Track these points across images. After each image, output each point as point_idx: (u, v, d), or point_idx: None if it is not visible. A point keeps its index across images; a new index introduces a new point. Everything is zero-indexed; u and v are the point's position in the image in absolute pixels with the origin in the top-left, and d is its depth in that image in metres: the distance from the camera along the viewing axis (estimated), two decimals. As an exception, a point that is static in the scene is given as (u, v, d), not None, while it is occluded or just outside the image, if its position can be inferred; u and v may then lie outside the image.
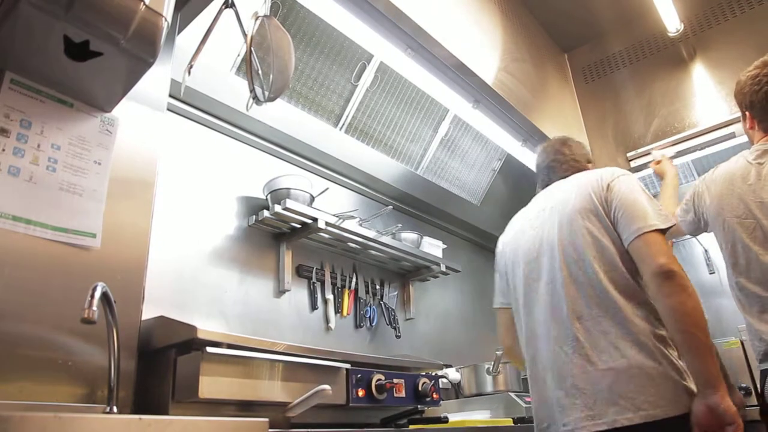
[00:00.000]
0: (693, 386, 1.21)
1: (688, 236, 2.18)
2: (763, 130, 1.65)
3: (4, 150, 1.05)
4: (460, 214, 3.14)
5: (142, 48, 1.07)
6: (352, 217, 2.19)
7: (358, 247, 2.34)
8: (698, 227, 1.77)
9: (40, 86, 1.13)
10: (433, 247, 2.65)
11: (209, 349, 1.11)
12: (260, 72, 1.51)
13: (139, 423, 0.71)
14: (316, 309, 2.22)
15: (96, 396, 1.05)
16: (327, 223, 2.08)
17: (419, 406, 1.52)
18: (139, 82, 1.19)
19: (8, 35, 1.01)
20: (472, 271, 3.29)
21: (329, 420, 1.40)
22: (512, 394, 2.11)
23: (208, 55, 1.79)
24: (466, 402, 2.27)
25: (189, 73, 1.50)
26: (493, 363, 2.28)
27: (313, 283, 2.24)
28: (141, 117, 1.31)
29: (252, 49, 1.48)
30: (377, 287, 2.53)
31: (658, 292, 1.24)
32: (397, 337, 2.53)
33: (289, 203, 1.97)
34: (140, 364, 1.15)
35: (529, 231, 1.56)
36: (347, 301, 2.35)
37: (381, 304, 2.52)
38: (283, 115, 2.18)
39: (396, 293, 2.64)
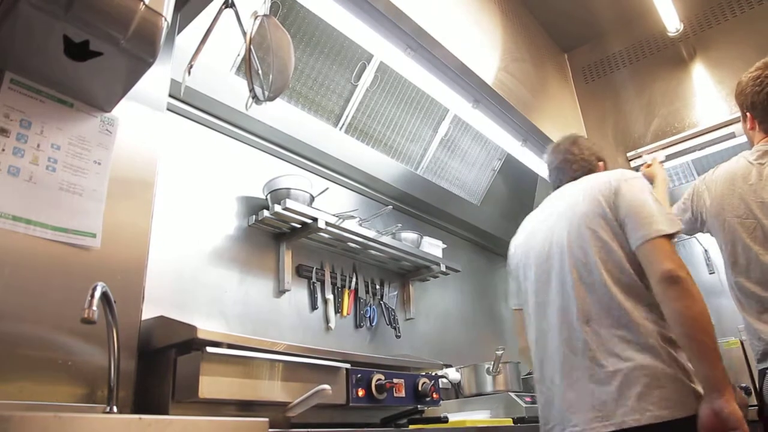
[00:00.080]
0: (701, 388, 1.22)
1: (684, 236, 2.18)
2: (764, 131, 1.65)
3: (3, 150, 1.05)
4: (460, 214, 3.14)
5: (142, 48, 1.07)
6: (352, 217, 2.19)
7: (358, 247, 2.34)
8: (694, 227, 1.77)
9: (39, 86, 1.13)
10: (433, 247, 2.65)
11: (209, 349, 1.11)
12: (260, 72, 1.51)
13: (139, 423, 0.71)
14: (316, 309, 2.22)
15: (96, 396, 1.05)
16: (327, 223, 2.09)
17: (419, 406, 1.52)
18: (139, 82, 1.19)
19: (8, 35, 1.01)
20: (472, 271, 3.29)
21: (329, 420, 1.40)
22: (512, 394, 2.11)
23: (208, 54, 1.79)
24: (466, 402, 2.27)
25: (189, 73, 1.50)
26: (493, 363, 2.28)
27: (313, 283, 2.24)
28: (141, 117, 1.31)
29: (252, 48, 1.48)
30: (377, 287, 2.53)
31: (665, 296, 1.25)
32: (397, 337, 2.53)
33: (289, 203, 1.98)
34: (140, 364, 1.15)
35: (540, 233, 1.56)
36: (347, 301, 2.35)
37: (381, 304, 2.52)
38: (283, 115, 2.18)
39: (396, 293, 2.64)
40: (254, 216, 2.05)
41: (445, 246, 2.74)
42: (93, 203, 1.15)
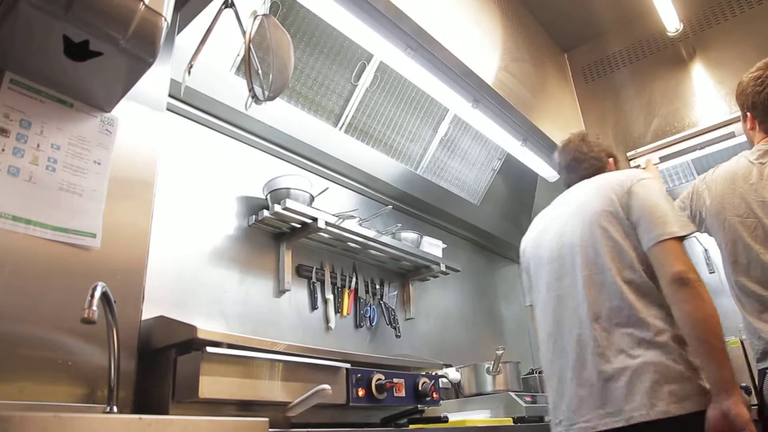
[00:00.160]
0: (707, 385, 1.24)
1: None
2: (764, 131, 1.65)
3: (3, 150, 1.05)
4: (460, 214, 3.14)
5: (142, 48, 1.07)
6: (352, 217, 2.19)
7: (358, 246, 2.34)
8: None
9: (39, 86, 1.13)
10: (432, 246, 2.65)
11: (209, 349, 1.11)
12: (260, 71, 1.51)
13: (139, 423, 0.71)
14: (316, 309, 2.22)
15: (96, 396, 1.05)
16: (327, 223, 2.09)
17: (419, 406, 1.52)
18: (138, 82, 1.19)
19: (8, 35, 1.01)
20: (471, 271, 3.29)
21: (329, 420, 1.40)
22: (512, 394, 2.11)
23: (208, 54, 1.79)
24: (466, 401, 2.26)
25: (189, 72, 1.50)
26: (493, 362, 2.28)
27: (313, 282, 2.24)
28: (141, 117, 1.31)
29: (251, 48, 1.48)
30: (377, 287, 2.53)
31: (675, 298, 1.28)
32: (397, 336, 2.53)
33: (289, 203, 1.98)
34: (140, 364, 1.15)
35: (551, 232, 1.58)
36: (347, 301, 2.35)
37: (381, 303, 2.52)
38: (282, 114, 2.18)
39: (396, 293, 2.64)
40: (254, 216, 2.05)
41: (445, 246, 2.74)
42: (93, 203, 1.15)
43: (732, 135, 2.58)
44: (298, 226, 2.11)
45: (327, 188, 2.19)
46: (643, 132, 2.89)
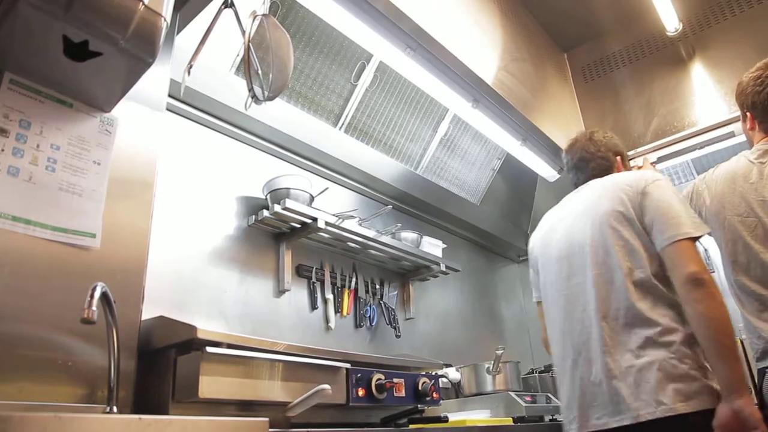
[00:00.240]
0: (714, 384, 1.26)
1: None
2: (764, 131, 1.65)
3: (3, 150, 1.05)
4: (460, 214, 3.14)
5: (142, 48, 1.07)
6: (352, 217, 2.19)
7: (357, 246, 2.34)
8: None
9: (39, 86, 1.13)
10: (432, 246, 2.65)
11: (209, 349, 1.11)
12: (259, 71, 1.51)
13: (139, 423, 0.71)
14: (316, 309, 2.22)
15: (96, 396, 1.05)
16: (327, 223, 2.08)
17: (419, 406, 1.52)
18: (138, 82, 1.19)
19: (7, 35, 1.01)
20: (471, 271, 3.29)
21: (329, 420, 1.40)
22: (512, 394, 2.11)
23: (208, 55, 1.79)
24: (466, 401, 2.26)
25: (188, 73, 1.50)
26: (492, 362, 2.28)
27: (313, 282, 2.24)
28: (140, 117, 1.31)
29: (251, 48, 1.47)
30: (377, 287, 2.53)
31: (688, 298, 1.29)
32: (397, 336, 2.53)
33: (289, 203, 1.97)
34: (140, 364, 1.14)
35: (560, 231, 1.60)
36: (347, 301, 2.35)
37: (381, 303, 2.52)
38: (282, 114, 2.18)
39: (396, 293, 2.64)
40: (254, 216, 2.05)
41: (444, 246, 2.74)
42: (92, 203, 1.15)
43: (732, 134, 2.58)
44: (298, 226, 2.11)
45: (327, 188, 2.19)
46: (642, 132, 2.89)
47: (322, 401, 1.23)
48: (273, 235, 2.15)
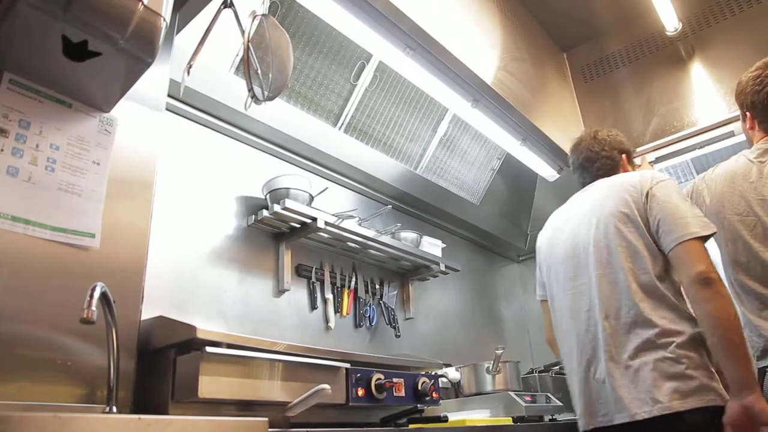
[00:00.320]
0: (714, 384, 1.28)
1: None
2: (764, 130, 1.65)
3: (2, 150, 1.05)
4: (460, 214, 3.14)
5: (141, 48, 1.06)
6: (352, 217, 2.19)
7: (357, 246, 2.34)
8: None
9: (38, 86, 1.13)
10: (432, 246, 2.65)
11: (209, 349, 1.11)
12: (259, 71, 1.51)
13: (139, 423, 0.71)
14: (316, 309, 2.22)
15: (95, 396, 1.05)
16: (326, 223, 2.08)
17: (419, 406, 1.52)
18: (137, 82, 1.19)
19: (6, 35, 1.01)
20: (471, 271, 3.29)
21: (329, 419, 1.40)
22: (512, 393, 2.11)
23: (207, 54, 1.79)
24: (466, 401, 2.26)
25: (188, 72, 1.50)
26: (492, 362, 2.28)
27: (313, 282, 2.24)
28: (140, 117, 1.31)
29: (250, 48, 1.47)
30: (377, 287, 2.53)
31: (697, 298, 1.31)
32: (397, 336, 2.53)
33: (289, 203, 1.97)
34: (140, 364, 1.14)
35: (566, 231, 1.61)
36: (347, 301, 2.35)
37: (380, 303, 2.52)
38: (282, 114, 2.18)
39: (395, 293, 2.64)
40: (253, 216, 2.05)
41: (444, 245, 2.74)
42: (92, 203, 1.15)
43: (731, 134, 2.58)
44: (298, 225, 2.11)
45: (326, 188, 2.19)
46: (642, 131, 2.89)
47: (321, 401, 1.23)
48: (273, 234, 2.15)
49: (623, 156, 1.70)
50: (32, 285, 1.03)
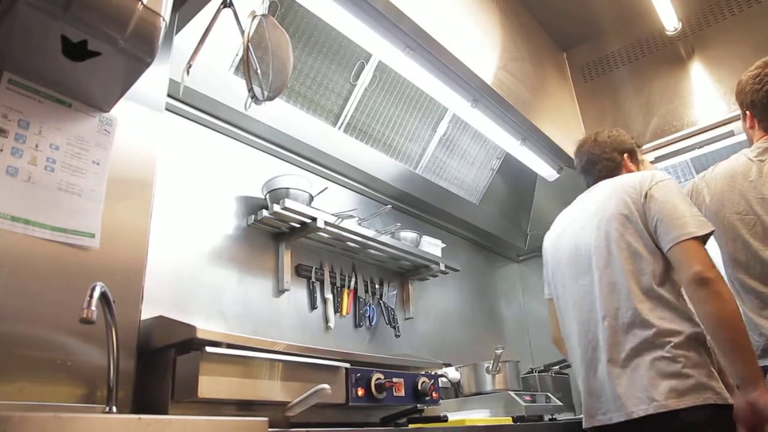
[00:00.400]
0: (712, 383, 1.29)
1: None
2: (763, 129, 1.65)
3: (2, 150, 1.05)
4: (459, 213, 3.14)
5: (141, 48, 1.06)
6: (351, 217, 2.19)
7: (357, 246, 2.34)
8: None
9: (38, 86, 1.13)
10: (432, 246, 2.65)
11: (208, 349, 1.11)
12: (259, 71, 1.51)
13: (139, 423, 0.71)
14: (316, 308, 2.21)
15: (95, 396, 1.05)
16: (326, 223, 2.08)
17: (419, 405, 1.52)
18: (137, 82, 1.18)
19: (6, 35, 1.01)
20: (471, 270, 3.29)
21: (329, 419, 1.40)
22: (512, 393, 2.11)
23: (207, 54, 1.79)
24: (466, 401, 2.26)
25: (187, 72, 1.50)
26: (492, 362, 2.28)
27: (313, 282, 2.24)
28: (139, 117, 1.31)
29: (250, 48, 1.47)
30: (376, 286, 2.53)
31: (695, 298, 1.33)
32: (397, 336, 2.53)
33: (288, 203, 1.97)
34: (139, 364, 1.14)
35: (570, 232, 1.63)
36: (346, 301, 2.35)
37: (380, 303, 2.52)
38: (281, 114, 2.18)
39: (395, 292, 2.64)
40: (253, 216, 2.05)
41: (444, 245, 2.74)
42: (92, 203, 1.15)
43: (731, 134, 2.58)
44: (298, 225, 2.11)
45: (326, 188, 2.19)
46: (642, 131, 2.89)
47: (321, 401, 1.23)
48: (272, 234, 2.15)
49: (625, 156, 1.71)
50: (32, 285, 1.03)
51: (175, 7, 1.48)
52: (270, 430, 0.89)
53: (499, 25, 2.54)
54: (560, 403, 2.24)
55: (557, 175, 2.95)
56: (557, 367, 2.78)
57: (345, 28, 1.93)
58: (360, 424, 1.44)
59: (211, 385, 1.10)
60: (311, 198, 2.12)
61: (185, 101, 1.93)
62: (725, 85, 2.64)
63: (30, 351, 0.99)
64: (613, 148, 1.71)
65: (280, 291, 2.10)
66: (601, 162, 1.70)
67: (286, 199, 1.98)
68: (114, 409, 0.99)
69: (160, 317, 1.21)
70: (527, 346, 3.50)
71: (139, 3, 1.01)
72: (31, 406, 0.94)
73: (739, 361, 1.27)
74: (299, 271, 2.20)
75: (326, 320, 2.23)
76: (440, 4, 2.08)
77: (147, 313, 1.21)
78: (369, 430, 1.33)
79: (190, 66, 1.50)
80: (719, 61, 2.73)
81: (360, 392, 1.41)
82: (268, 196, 2.06)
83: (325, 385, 1.21)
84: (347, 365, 1.40)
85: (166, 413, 1.11)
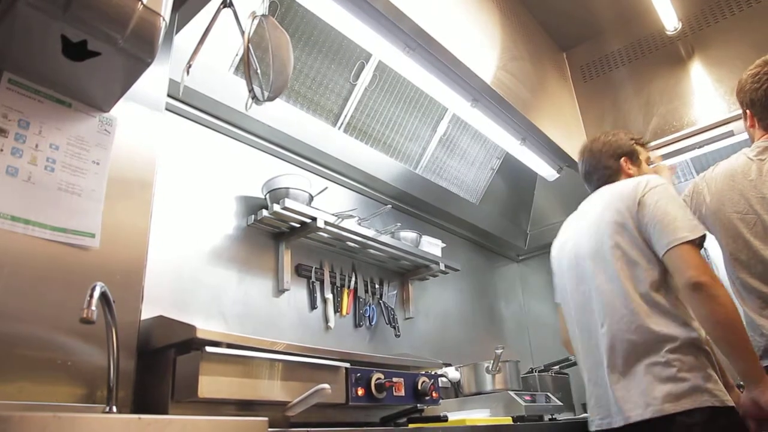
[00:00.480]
0: (710, 385, 1.31)
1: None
2: (764, 128, 1.65)
3: (2, 150, 1.05)
4: (459, 213, 3.15)
5: (140, 48, 1.06)
6: (351, 216, 2.19)
7: (357, 246, 2.34)
8: None
9: (38, 86, 1.13)
10: (432, 246, 2.65)
11: (208, 349, 1.11)
12: (259, 71, 1.51)
13: (139, 422, 0.71)
14: (316, 308, 2.22)
15: (95, 396, 1.05)
16: (326, 223, 2.08)
17: (419, 405, 1.52)
18: (137, 82, 1.18)
19: (6, 35, 1.01)
20: (471, 270, 3.29)
21: (329, 419, 1.40)
22: (512, 393, 2.11)
23: (207, 54, 1.79)
24: (466, 401, 2.26)
25: (188, 72, 1.50)
26: (492, 361, 2.28)
27: (313, 282, 2.24)
28: (139, 117, 1.31)
29: (250, 48, 1.47)
30: (376, 286, 2.53)
31: (691, 302, 1.35)
32: (397, 336, 2.53)
33: (288, 203, 1.97)
34: (139, 364, 1.14)
35: (572, 239, 1.66)
36: (346, 301, 2.35)
37: (380, 303, 2.52)
38: (281, 114, 2.18)
39: (395, 292, 2.64)
40: (253, 216, 2.05)
41: (444, 245, 2.74)
42: (92, 203, 1.15)
43: (731, 133, 2.58)
44: (297, 225, 2.11)
45: (326, 188, 2.19)
46: (641, 131, 2.88)
47: (321, 401, 1.23)
48: (272, 234, 2.15)
49: (622, 161, 1.71)
50: (32, 285, 1.03)
51: (175, 7, 1.48)
52: (270, 429, 0.89)
53: (498, 25, 2.54)
54: (560, 403, 2.24)
55: (557, 175, 2.95)
56: (557, 367, 2.78)
57: (345, 28, 1.93)
58: (360, 424, 1.44)
59: (211, 385, 1.10)
60: (311, 198, 2.12)
61: (185, 101, 1.94)
62: (725, 84, 2.64)
63: (30, 351, 0.99)
64: (609, 156, 1.72)
65: (280, 291, 2.10)
66: (597, 171, 1.72)
67: (286, 199, 1.98)
68: (114, 409, 0.99)
69: (160, 317, 1.21)
70: (527, 346, 3.50)
71: (139, 3, 1.01)
72: (31, 406, 0.94)
73: (739, 360, 1.29)
74: (299, 271, 2.20)
75: (326, 320, 2.23)
76: (440, 4, 2.08)
77: (147, 313, 1.21)
78: (369, 430, 1.33)
79: (190, 66, 1.50)
80: (719, 60, 2.73)
81: (360, 392, 1.41)
82: (268, 196, 2.06)
83: (325, 385, 1.21)
84: (347, 365, 1.40)
85: (166, 413, 1.11)
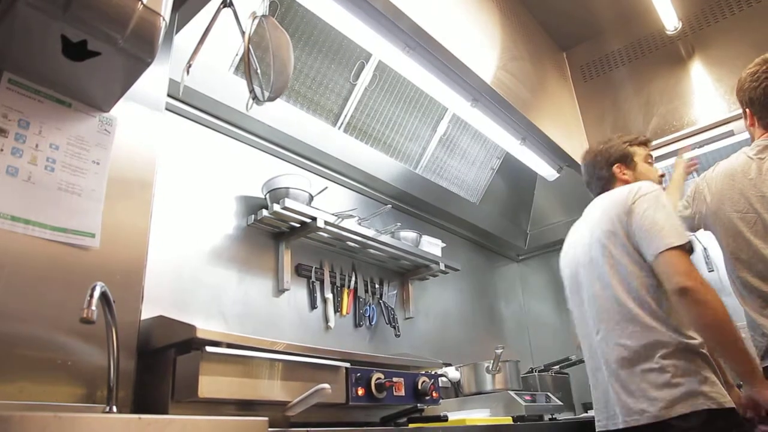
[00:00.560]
0: (705, 388, 1.31)
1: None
2: (763, 126, 1.65)
3: (2, 150, 1.05)
4: (459, 213, 3.15)
5: (140, 47, 1.06)
6: (351, 216, 2.19)
7: (357, 246, 2.34)
8: (692, 225, 1.78)
9: (38, 86, 1.13)
10: (432, 245, 2.65)
11: (209, 349, 1.11)
12: (259, 71, 1.50)
13: (139, 422, 0.71)
14: (316, 308, 2.22)
15: (95, 396, 1.05)
16: (326, 222, 2.08)
17: (419, 405, 1.52)
18: (137, 82, 1.18)
19: (6, 35, 1.01)
20: (471, 270, 3.29)
21: (329, 419, 1.40)
22: (512, 393, 2.11)
23: (207, 54, 1.79)
24: (466, 400, 2.27)
25: (187, 72, 1.50)
26: (492, 361, 2.28)
27: (313, 282, 2.24)
28: (139, 117, 1.31)
29: (250, 48, 1.47)
30: (376, 286, 2.53)
31: (680, 307, 1.36)
32: (397, 336, 2.53)
33: (288, 202, 1.97)
34: (140, 364, 1.14)
35: (572, 248, 1.70)
36: (346, 300, 2.35)
37: (380, 303, 2.52)
38: (281, 114, 2.18)
39: (395, 292, 2.64)
40: (253, 215, 2.05)
41: (444, 245, 2.74)
42: (92, 203, 1.15)
43: (731, 133, 2.58)
44: (297, 225, 2.11)
45: (326, 188, 2.19)
46: (641, 130, 2.88)
47: (321, 400, 1.23)
48: (272, 234, 2.15)
49: (614, 168, 1.71)
50: (32, 285, 1.03)
51: (175, 7, 1.48)
52: (270, 429, 0.89)
53: (498, 25, 2.54)
54: (560, 403, 2.24)
55: (557, 175, 2.95)
56: (557, 366, 2.78)
57: (345, 28, 1.92)
58: (360, 424, 1.44)
59: (211, 384, 1.10)
60: (311, 198, 2.12)
61: (185, 101, 1.94)
62: (725, 84, 2.64)
63: (30, 351, 0.99)
64: (601, 165, 1.74)
65: (280, 291, 2.10)
66: (593, 182, 1.77)
67: (286, 199, 1.98)
68: (114, 408, 0.99)
69: (160, 317, 1.21)
70: (527, 346, 3.50)
71: (139, 3, 1.01)
72: (31, 406, 0.94)
73: (734, 361, 1.32)
74: (299, 270, 2.20)
75: (326, 320, 2.23)
76: (440, 3, 2.08)
77: (147, 313, 1.21)
78: (369, 430, 1.34)
79: (190, 66, 1.50)
80: (719, 60, 2.73)
81: (360, 392, 1.41)
82: (268, 196, 2.06)
83: (326, 385, 1.21)
84: (347, 365, 1.40)
85: (166, 413, 1.11)
